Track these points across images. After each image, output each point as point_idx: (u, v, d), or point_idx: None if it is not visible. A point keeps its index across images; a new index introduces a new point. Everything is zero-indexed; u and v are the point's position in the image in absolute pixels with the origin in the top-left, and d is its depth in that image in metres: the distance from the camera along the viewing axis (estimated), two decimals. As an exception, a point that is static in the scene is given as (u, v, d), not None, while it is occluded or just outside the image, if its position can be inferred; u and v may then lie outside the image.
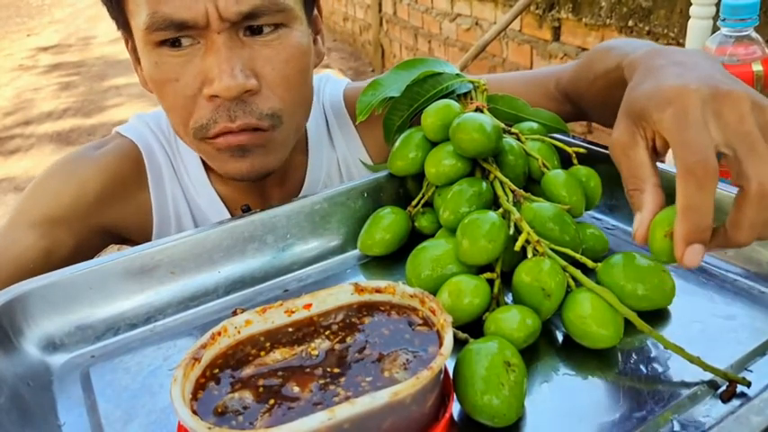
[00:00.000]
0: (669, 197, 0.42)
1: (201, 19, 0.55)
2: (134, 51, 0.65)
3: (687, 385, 0.41)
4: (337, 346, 0.39)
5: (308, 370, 0.38)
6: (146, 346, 0.51)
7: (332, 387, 0.36)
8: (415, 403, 0.35)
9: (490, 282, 0.49)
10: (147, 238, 0.72)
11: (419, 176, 0.61)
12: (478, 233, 0.48)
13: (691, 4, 1.02)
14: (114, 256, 0.55)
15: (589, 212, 0.63)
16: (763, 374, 0.41)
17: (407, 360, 0.37)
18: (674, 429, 0.38)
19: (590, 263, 0.48)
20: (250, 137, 0.59)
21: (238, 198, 0.73)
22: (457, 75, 0.67)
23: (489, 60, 2.79)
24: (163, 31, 0.56)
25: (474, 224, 0.49)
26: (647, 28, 1.85)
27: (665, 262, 0.42)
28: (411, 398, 0.34)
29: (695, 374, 0.41)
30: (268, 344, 0.40)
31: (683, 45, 1.34)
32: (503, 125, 0.58)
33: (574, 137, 0.66)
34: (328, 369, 0.37)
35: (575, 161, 0.59)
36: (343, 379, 0.36)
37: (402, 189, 0.65)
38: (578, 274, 0.46)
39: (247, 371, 0.38)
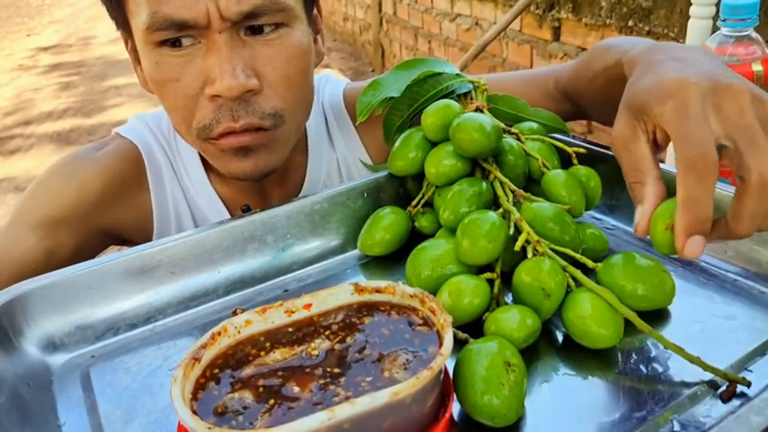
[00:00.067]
0: (670, 195, 0.42)
1: (202, 19, 0.55)
2: (134, 51, 0.65)
3: (687, 385, 0.41)
4: (337, 346, 0.39)
5: (307, 370, 0.38)
6: (146, 346, 0.51)
7: (332, 387, 0.36)
8: (415, 403, 0.35)
9: (490, 282, 0.49)
10: (148, 239, 0.72)
11: (419, 176, 0.61)
12: (478, 233, 0.48)
13: (691, 4, 1.02)
14: (114, 256, 0.55)
15: (589, 212, 0.63)
16: (763, 374, 0.41)
17: (407, 360, 0.37)
18: (674, 429, 0.38)
19: (590, 263, 0.48)
20: (253, 137, 0.59)
21: (238, 198, 0.73)
22: (457, 75, 0.67)
23: (489, 60, 2.79)
24: (163, 31, 0.56)
25: (474, 224, 0.49)
26: (647, 28, 1.85)
27: (666, 254, 0.42)
28: (411, 398, 0.34)
29: (695, 374, 0.41)
30: (268, 344, 0.40)
31: (683, 45, 1.34)
32: (503, 125, 0.58)
33: (574, 137, 0.66)
34: (328, 369, 0.37)
35: (575, 161, 0.59)
36: (343, 379, 0.36)
37: (402, 189, 0.65)
38: (578, 274, 0.46)
39: (247, 371, 0.38)
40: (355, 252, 0.62)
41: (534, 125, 0.63)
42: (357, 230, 0.61)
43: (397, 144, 0.62)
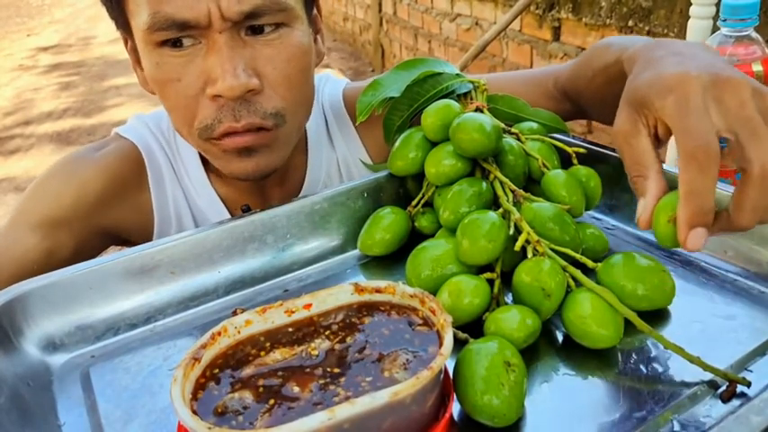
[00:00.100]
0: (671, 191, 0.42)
1: (203, 19, 0.55)
2: (133, 51, 0.65)
3: (687, 385, 0.41)
4: (337, 346, 0.39)
5: (308, 370, 0.38)
6: (146, 346, 0.51)
7: (332, 387, 0.36)
8: (415, 403, 0.35)
9: (490, 282, 0.49)
10: (148, 239, 0.72)
11: (419, 176, 0.61)
12: (478, 233, 0.48)
13: (691, 4, 1.02)
14: (114, 256, 0.55)
15: (589, 212, 0.63)
16: (763, 374, 0.41)
17: (407, 360, 0.37)
18: (674, 429, 0.38)
19: (590, 263, 0.48)
20: (254, 137, 0.60)
21: (238, 198, 0.73)
22: (457, 75, 0.67)
23: (489, 60, 2.79)
24: (164, 31, 0.56)
25: (474, 224, 0.49)
26: (647, 28, 1.85)
27: (668, 247, 0.42)
28: (411, 398, 0.34)
29: (695, 374, 0.41)
30: (268, 344, 0.40)
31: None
32: (503, 125, 0.58)
33: (574, 137, 0.66)
34: (328, 369, 0.37)
35: (575, 161, 0.59)
36: (343, 379, 0.36)
37: (402, 189, 0.65)
38: (578, 274, 0.46)
39: (247, 371, 0.38)
40: (355, 252, 0.62)
41: (534, 125, 0.63)
42: (357, 230, 0.61)
43: (397, 144, 0.62)
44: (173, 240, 0.56)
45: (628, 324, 0.44)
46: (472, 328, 0.46)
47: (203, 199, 0.73)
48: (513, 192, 0.53)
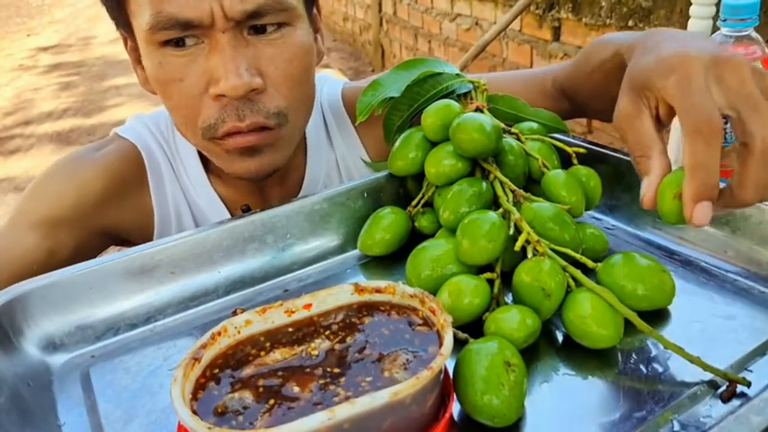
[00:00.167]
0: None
1: (206, 18, 0.55)
2: (133, 51, 0.65)
3: (687, 385, 0.41)
4: (337, 346, 0.39)
5: (308, 370, 0.38)
6: (146, 346, 0.51)
7: (332, 387, 0.36)
8: (415, 403, 0.35)
9: (490, 282, 0.49)
10: (148, 239, 0.72)
11: (419, 176, 0.61)
12: (478, 233, 0.48)
13: (691, 4, 1.02)
14: (114, 256, 0.55)
15: (589, 212, 0.63)
16: (763, 374, 0.41)
17: (407, 360, 0.37)
18: (674, 429, 0.38)
19: (590, 263, 0.48)
20: (258, 137, 0.60)
21: (238, 198, 0.73)
22: (457, 75, 0.67)
23: (489, 60, 2.79)
24: (167, 31, 0.56)
25: (474, 224, 0.49)
26: (647, 28, 1.85)
27: (674, 223, 0.42)
28: (411, 398, 0.34)
29: (695, 374, 0.41)
30: (268, 344, 0.40)
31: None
32: (503, 125, 0.58)
33: (574, 137, 0.66)
34: (328, 369, 0.37)
35: (575, 161, 0.59)
36: (343, 379, 0.36)
37: (402, 189, 0.65)
38: (578, 274, 0.46)
39: (247, 371, 0.38)
40: (355, 252, 0.62)
41: (534, 125, 0.63)
42: (357, 230, 0.61)
43: (397, 144, 0.62)
44: (173, 240, 0.56)
45: (628, 324, 0.44)
46: (472, 328, 0.46)
47: (203, 199, 0.73)
48: (513, 192, 0.53)
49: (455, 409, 0.40)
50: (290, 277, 0.59)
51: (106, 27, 5.82)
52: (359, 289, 0.42)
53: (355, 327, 0.41)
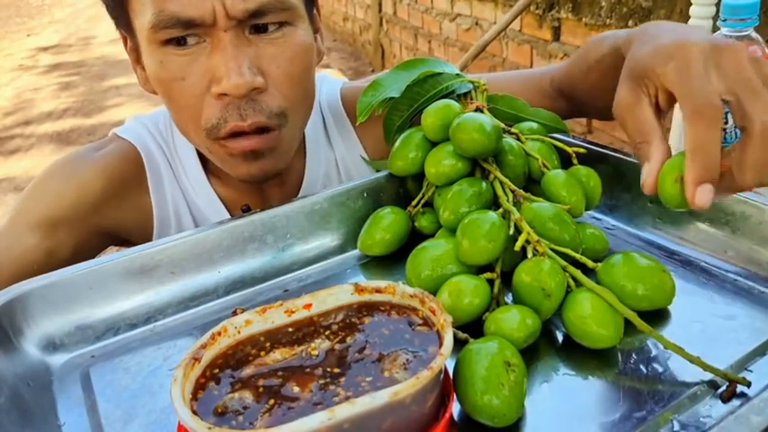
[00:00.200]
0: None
1: (209, 17, 0.55)
2: (133, 51, 0.65)
3: (687, 385, 0.41)
4: (337, 346, 0.39)
5: (308, 370, 0.38)
6: (146, 346, 0.51)
7: (332, 387, 0.36)
8: (415, 403, 0.35)
9: (490, 282, 0.49)
10: (148, 239, 0.72)
11: (419, 176, 0.61)
12: (478, 233, 0.48)
13: (691, 4, 1.02)
14: (114, 256, 0.55)
15: (589, 212, 0.63)
16: (763, 374, 0.41)
17: (407, 360, 0.37)
18: (674, 429, 0.38)
19: (590, 263, 0.48)
20: (260, 140, 0.60)
21: (238, 198, 0.73)
22: (457, 75, 0.67)
23: (489, 60, 2.79)
24: (169, 30, 0.56)
25: (474, 224, 0.49)
26: (646, 28, 1.85)
27: (675, 207, 0.43)
28: (411, 398, 0.34)
29: (695, 374, 0.41)
30: (268, 344, 0.40)
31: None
32: (503, 125, 0.58)
33: (574, 137, 0.66)
34: (328, 369, 0.37)
35: (575, 161, 0.59)
36: (343, 379, 0.36)
37: (402, 189, 0.65)
38: (578, 274, 0.46)
39: (247, 371, 0.38)
40: (355, 252, 0.62)
41: (534, 125, 0.63)
42: (357, 230, 0.61)
43: (397, 144, 0.62)
44: (173, 240, 0.56)
45: (628, 324, 0.44)
46: (472, 328, 0.46)
47: (202, 199, 0.73)
48: (513, 192, 0.53)
49: (455, 409, 0.40)
50: (290, 277, 0.59)
51: (106, 27, 5.82)
52: (359, 289, 0.42)
53: (355, 327, 0.41)
